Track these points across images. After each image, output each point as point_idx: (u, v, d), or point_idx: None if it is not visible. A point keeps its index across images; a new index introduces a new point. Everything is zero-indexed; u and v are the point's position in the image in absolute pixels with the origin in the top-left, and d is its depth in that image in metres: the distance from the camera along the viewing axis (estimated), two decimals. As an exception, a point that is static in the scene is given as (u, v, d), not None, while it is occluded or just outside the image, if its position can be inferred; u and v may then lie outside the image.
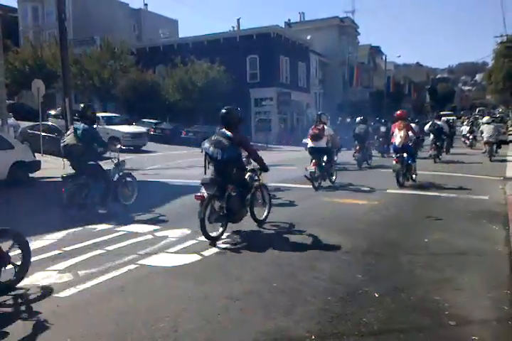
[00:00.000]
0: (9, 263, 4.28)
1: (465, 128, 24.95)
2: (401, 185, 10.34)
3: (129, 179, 8.41)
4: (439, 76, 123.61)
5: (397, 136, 10.53)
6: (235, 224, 6.26)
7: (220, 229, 6.01)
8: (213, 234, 5.88)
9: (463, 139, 24.38)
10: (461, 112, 71.87)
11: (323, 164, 10.46)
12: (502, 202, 8.55)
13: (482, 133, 17.51)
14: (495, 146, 16.91)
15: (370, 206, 8.43)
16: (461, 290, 4.28)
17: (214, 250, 5.56)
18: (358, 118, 16.38)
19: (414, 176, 10.89)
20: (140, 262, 5.10)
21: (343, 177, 11.87)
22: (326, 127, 10.68)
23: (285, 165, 16.58)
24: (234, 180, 6.06)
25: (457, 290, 4.28)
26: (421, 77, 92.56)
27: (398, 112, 11.22)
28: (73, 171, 7.59)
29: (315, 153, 10.57)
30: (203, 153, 6.25)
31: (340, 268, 4.87)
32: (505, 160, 16.45)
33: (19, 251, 4.45)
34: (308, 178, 10.13)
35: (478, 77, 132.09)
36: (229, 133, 6.04)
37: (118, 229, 6.66)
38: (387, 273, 4.75)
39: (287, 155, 21.52)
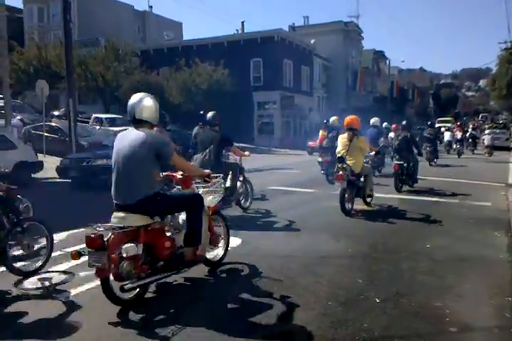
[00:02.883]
0: None
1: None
2: (459, 156, 21.58)
3: None
4: (442, 81, 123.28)
5: (459, 134, 23.48)
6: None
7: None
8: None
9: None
10: (464, 118, 71.75)
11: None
12: (504, 209, 8.52)
13: (484, 140, 25.45)
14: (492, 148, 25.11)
15: (371, 211, 8.42)
16: (462, 296, 4.26)
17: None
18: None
19: (461, 154, 22.22)
20: (141, 264, 5.07)
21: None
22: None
23: (289, 168, 16.58)
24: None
25: (459, 296, 4.26)
26: (424, 82, 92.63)
27: (459, 123, 21.36)
28: None
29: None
30: None
31: (341, 273, 4.85)
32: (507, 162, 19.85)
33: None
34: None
35: (481, 82, 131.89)
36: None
37: (119, 230, 6.64)
38: (388, 278, 4.73)
39: (291, 159, 21.50)
